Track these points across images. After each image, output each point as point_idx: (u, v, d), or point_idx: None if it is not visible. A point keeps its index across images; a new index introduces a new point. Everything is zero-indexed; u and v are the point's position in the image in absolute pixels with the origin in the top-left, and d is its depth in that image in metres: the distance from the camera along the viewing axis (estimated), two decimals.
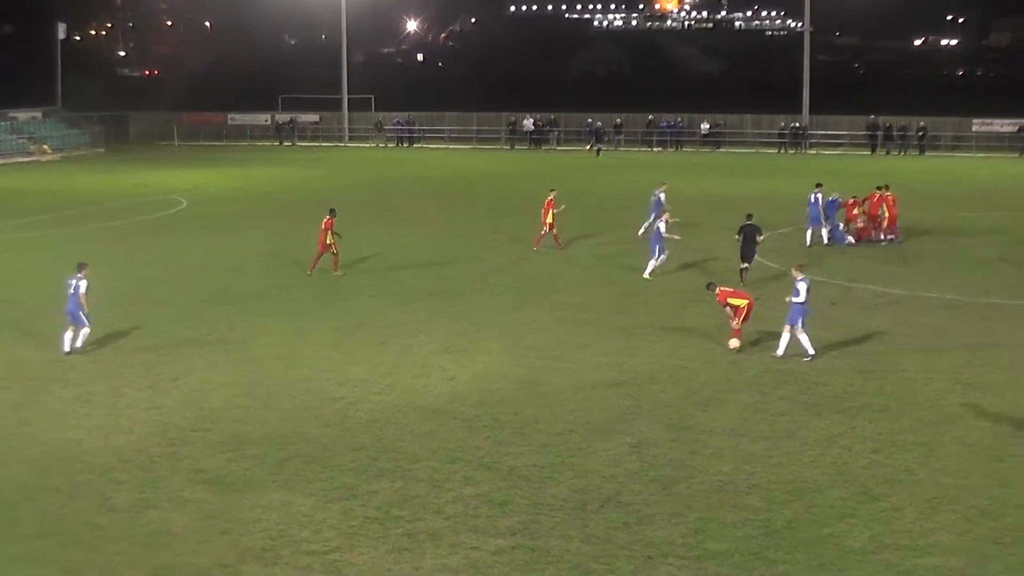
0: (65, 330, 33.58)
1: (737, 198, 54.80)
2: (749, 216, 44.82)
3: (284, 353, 33.26)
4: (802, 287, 32.02)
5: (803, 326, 32.07)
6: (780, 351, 32.24)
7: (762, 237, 44.31)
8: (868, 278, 43.95)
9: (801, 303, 32.06)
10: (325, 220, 44.92)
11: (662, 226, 45.00)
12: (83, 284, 33.64)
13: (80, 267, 34.20)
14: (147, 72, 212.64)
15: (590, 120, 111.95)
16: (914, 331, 35.78)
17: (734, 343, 32.52)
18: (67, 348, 33.50)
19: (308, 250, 49.73)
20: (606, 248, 50.84)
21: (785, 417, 27.32)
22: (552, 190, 50.80)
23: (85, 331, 33.70)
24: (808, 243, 51.14)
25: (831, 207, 51.97)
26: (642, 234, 51.01)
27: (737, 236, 44.18)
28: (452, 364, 31.98)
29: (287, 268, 46.58)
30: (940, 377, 30.67)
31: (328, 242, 44.66)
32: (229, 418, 27.45)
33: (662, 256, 44.56)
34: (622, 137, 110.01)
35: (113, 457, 24.93)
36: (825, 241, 51.30)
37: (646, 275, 44.13)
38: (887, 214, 51.93)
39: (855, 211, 52.55)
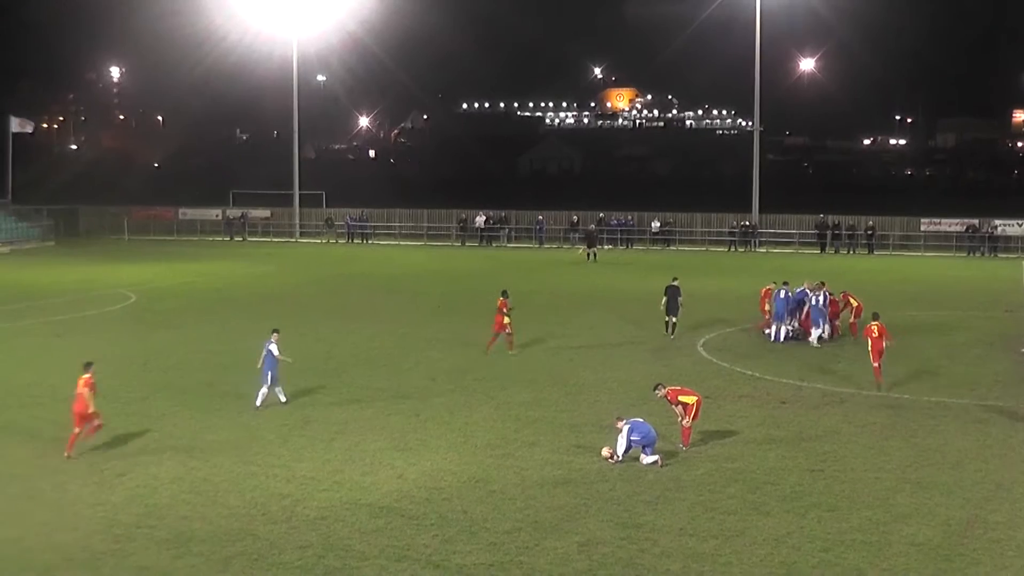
0: (261, 388, 38.00)
1: (686, 297, 54.96)
2: (674, 279, 53.94)
3: (231, 449, 33.02)
4: None
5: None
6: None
7: (681, 298, 52.84)
8: (817, 377, 44.05)
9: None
10: (499, 300, 48.06)
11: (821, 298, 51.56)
12: (273, 348, 37.97)
13: (274, 332, 38.63)
14: (98, 166, 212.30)
15: (541, 217, 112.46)
16: (862, 430, 35.84)
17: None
18: (283, 399, 38.47)
19: (258, 346, 49.63)
20: (554, 346, 50.77)
21: (734, 516, 27.25)
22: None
23: (263, 391, 37.88)
24: (778, 339, 51.26)
25: (797, 302, 52.07)
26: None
27: (667, 295, 52.71)
28: (400, 461, 31.82)
29: (234, 364, 46.31)
30: (888, 476, 30.71)
31: (504, 322, 47.59)
32: (175, 515, 27.21)
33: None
34: (577, 235, 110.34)
35: (57, 555, 24.66)
36: (782, 338, 51.36)
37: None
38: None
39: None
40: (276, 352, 38.03)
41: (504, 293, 48.97)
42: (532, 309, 60.71)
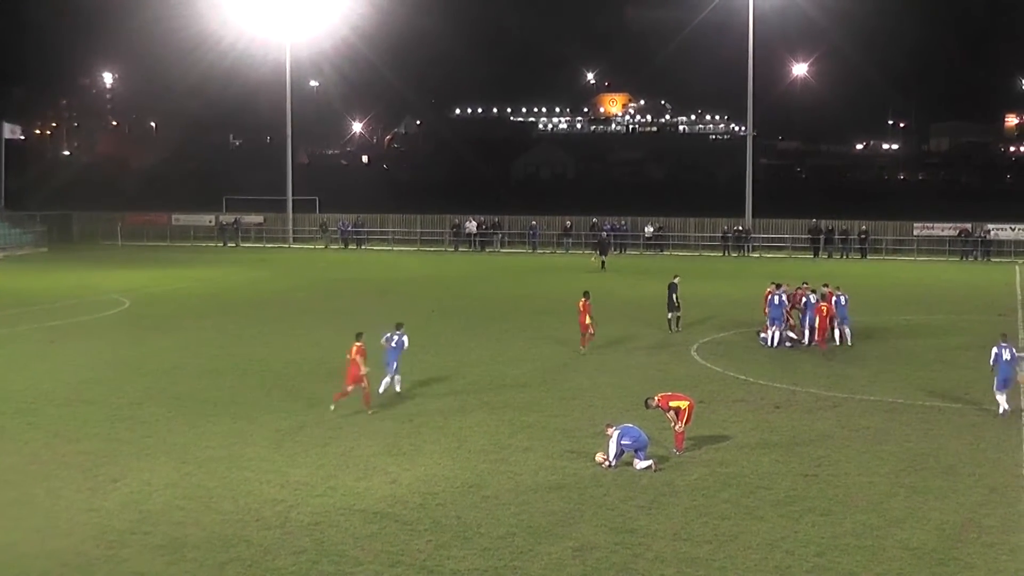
0: (384, 377, 40.14)
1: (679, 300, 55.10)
2: (675, 276, 57.38)
3: (225, 455, 33.00)
4: None
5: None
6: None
7: (677, 295, 55.64)
8: (811, 381, 44.05)
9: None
10: (582, 302, 49.66)
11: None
12: (406, 339, 40.81)
13: (399, 326, 41.16)
14: (91, 171, 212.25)
15: (534, 222, 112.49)
16: (856, 434, 35.84)
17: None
18: (399, 388, 40.82)
19: (251, 351, 49.67)
20: (548, 351, 50.73)
21: (728, 521, 27.25)
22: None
23: (387, 379, 40.36)
24: (775, 344, 51.35)
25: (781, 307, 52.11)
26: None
27: (668, 292, 55.59)
28: (394, 467, 31.80)
29: (229, 370, 46.34)
30: (882, 480, 30.70)
31: (587, 322, 49.22)
32: (169, 521, 27.17)
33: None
34: (570, 240, 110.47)
35: (51, 561, 24.62)
36: (776, 343, 51.41)
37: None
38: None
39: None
40: (406, 344, 40.94)
41: (586, 294, 50.33)
42: (526, 314, 60.83)
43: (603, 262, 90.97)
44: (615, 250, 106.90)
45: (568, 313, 59.48)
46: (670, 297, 55.62)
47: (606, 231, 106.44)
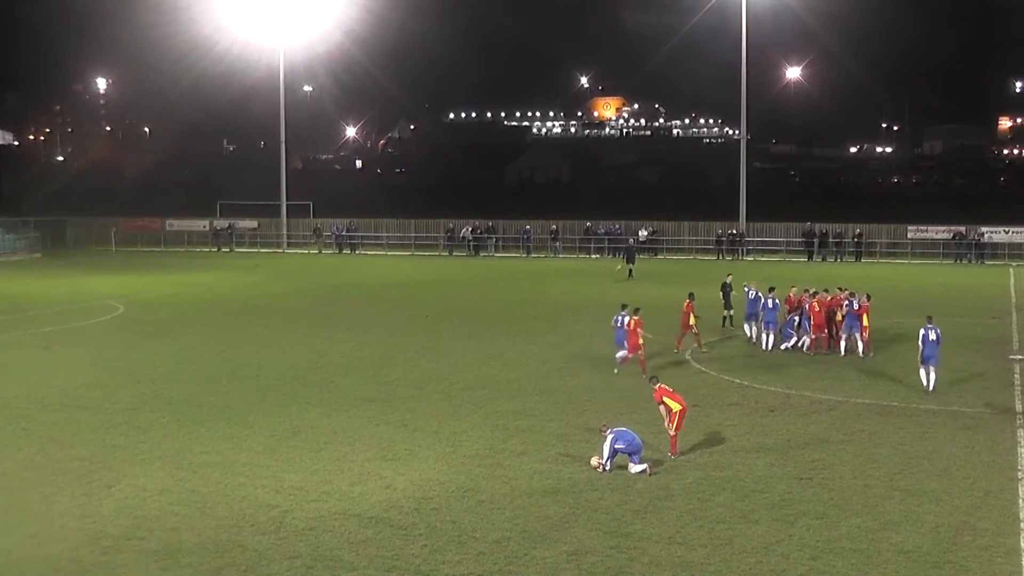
0: (616, 353, 45.89)
1: (675, 304, 55.00)
2: (728, 275, 60.14)
3: (219, 460, 32.96)
4: None
5: None
6: None
7: (732, 291, 57.75)
8: (805, 385, 44.05)
9: None
10: (686, 303, 50.95)
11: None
12: (633, 320, 45.25)
13: (624, 306, 46.59)
14: (85, 177, 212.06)
15: (528, 227, 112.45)
16: (851, 437, 35.83)
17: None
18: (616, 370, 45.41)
19: (246, 357, 49.64)
20: (542, 355, 50.74)
21: (723, 524, 27.23)
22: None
23: (623, 353, 45.57)
24: (769, 347, 51.41)
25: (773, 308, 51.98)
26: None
27: (720, 293, 58.02)
28: (389, 471, 31.77)
29: (223, 375, 46.30)
30: (877, 483, 30.70)
31: (691, 323, 50.65)
32: (164, 526, 27.13)
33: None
34: (559, 244, 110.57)
35: (45, 567, 24.60)
36: (771, 347, 51.44)
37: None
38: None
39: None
40: (632, 325, 45.26)
41: (691, 296, 51.71)
42: (520, 318, 60.83)
43: (630, 270, 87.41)
44: (610, 255, 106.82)
45: (563, 316, 59.61)
46: (725, 295, 58.02)
47: (632, 238, 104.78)
